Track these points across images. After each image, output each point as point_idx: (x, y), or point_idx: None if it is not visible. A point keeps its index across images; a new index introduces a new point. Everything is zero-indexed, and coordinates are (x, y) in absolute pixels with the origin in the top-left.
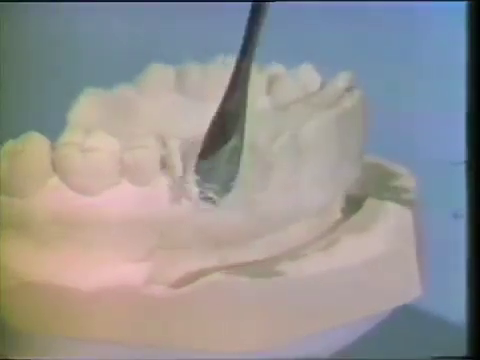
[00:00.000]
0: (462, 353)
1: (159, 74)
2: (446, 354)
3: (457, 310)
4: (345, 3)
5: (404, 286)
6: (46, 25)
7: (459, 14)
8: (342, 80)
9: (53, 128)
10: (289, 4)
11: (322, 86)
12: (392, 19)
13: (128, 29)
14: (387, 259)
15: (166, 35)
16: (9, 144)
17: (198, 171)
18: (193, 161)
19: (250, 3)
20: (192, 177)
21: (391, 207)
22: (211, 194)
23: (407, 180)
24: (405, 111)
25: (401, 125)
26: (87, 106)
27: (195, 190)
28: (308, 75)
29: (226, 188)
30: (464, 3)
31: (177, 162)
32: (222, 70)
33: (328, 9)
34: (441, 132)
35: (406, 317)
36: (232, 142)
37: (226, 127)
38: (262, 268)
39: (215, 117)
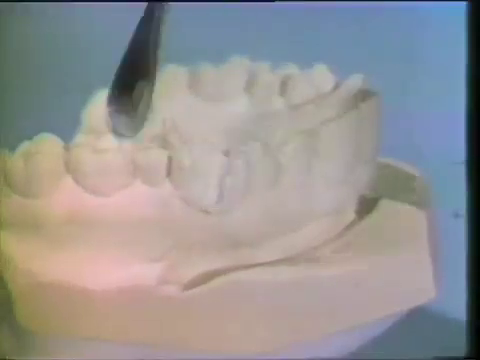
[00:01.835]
0: (462, 353)
1: (173, 74)
2: (446, 354)
3: (457, 310)
4: (345, 3)
5: (418, 287)
6: (58, 25)
7: (459, 14)
8: (356, 81)
9: (66, 129)
10: (289, 4)
11: (336, 87)
12: (392, 19)
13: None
14: (401, 260)
15: (176, 35)
16: (23, 145)
17: (111, 104)
18: None
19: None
20: (105, 109)
21: (405, 208)
22: (122, 128)
23: (421, 181)
24: (405, 111)
25: (401, 125)
26: (100, 107)
27: (108, 121)
28: (322, 76)
29: (137, 123)
30: (464, 3)
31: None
32: (236, 70)
33: (327, 9)
34: (441, 132)
35: (406, 317)
36: (143, 80)
37: (137, 66)
38: (276, 269)
39: (127, 53)
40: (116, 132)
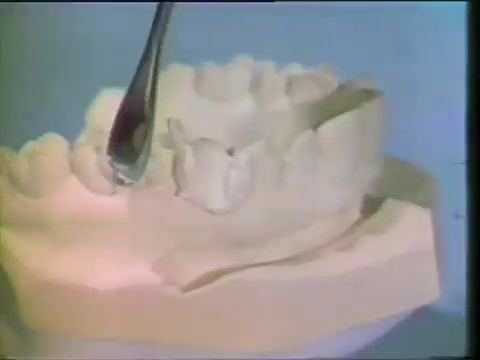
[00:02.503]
0: (462, 353)
1: (178, 74)
2: (446, 354)
3: (457, 310)
4: (345, 3)
5: (423, 287)
6: (58, 25)
7: (459, 14)
8: (360, 81)
9: (71, 129)
10: (291, 4)
11: (340, 87)
12: (392, 19)
13: (142, 28)
14: (406, 260)
15: (181, 35)
16: (28, 145)
17: (110, 152)
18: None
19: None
20: (105, 158)
21: (410, 208)
22: (122, 176)
23: (426, 181)
24: (405, 111)
25: (401, 125)
26: (105, 107)
27: (109, 171)
28: (326, 76)
29: (138, 171)
30: (464, 3)
31: None
32: (240, 70)
33: (327, 9)
34: (441, 132)
35: (406, 317)
36: (141, 126)
37: (136, 112)
38: (281, 268)
39: (124, 101)
40: (117, 180)
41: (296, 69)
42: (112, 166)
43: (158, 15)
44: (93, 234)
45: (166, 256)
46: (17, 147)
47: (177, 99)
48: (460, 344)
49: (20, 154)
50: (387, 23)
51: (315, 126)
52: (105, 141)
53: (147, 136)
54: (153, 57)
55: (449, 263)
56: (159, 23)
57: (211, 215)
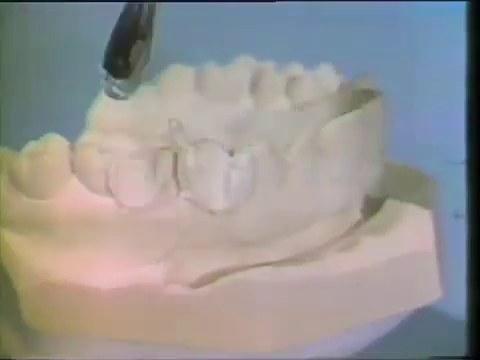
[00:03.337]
0: (462, 353)
1: (178, 74)
2: (446, 354)
3: (457, 310)
4: (345, 3)
5: (424, 288)
6: (58, 25)
7: (459, 14)
8: (361, 81)
9: (72, 129)
10: (291, 4)
11: (340, 87)
12: (392, 19)
13: None
14: (407, 260)
15: (181, 36)
16: (29, 145)
17: (105, 66)
18: None
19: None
20: (100, 72)
21: (411, 208)
22: (116, 89)
23: (426, 181)
24: (405, 111)
25: (401, 125)
26: (106, 107)
27: (103, 84)
28: (327, 76)
29: (131, 85)
30: (464, 3)
31: None
32: (241, 70)
33: (327, 9)
34: (441, 132)
35: (406, 317)
36: (138, 43)
37: (132, 28)
38: (281, 269)
39: (121, 18)
40: (111, 93)
41: (296, 69)
42: (107, 79)
43: None
44: (94, 234)
45: (167, 256)
46: (18, 147)
47: (177, 99)
48: (460, 344)
49: (21, 154)
50: (387, 23)
51: (316, 126)
52: (106, 141)
53: (143, 52)
54: None
55: (449, 263)
56: None
57: (212, 215)
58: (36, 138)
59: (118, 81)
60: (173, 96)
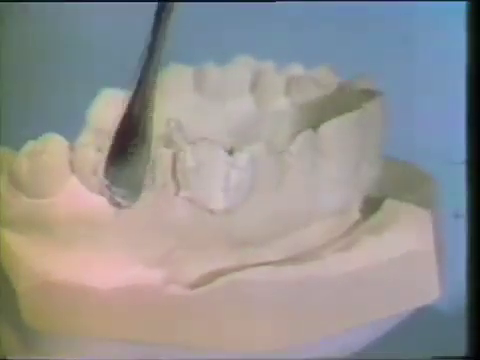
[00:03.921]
0: (462, 353)
1: (178, 74)
2: (446, 354)
3: (457, 310)
4: (345, 3)
5: (422, 288)
6: (58, 25)
7: (459, 14)
8: (360, 81)
9: (72, 129)
10: (291, 4)
11: (340, 87)
12: (392, 19)
13: (143, 28)
14: (406, 260)
15: (181, 35)
16: (28, 145)
17: (107, 175)
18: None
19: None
20: (102, 181)
21: (410, 208)
22: (119, 198)
23: (426, 181)
24: (405, 111)
25: (401, 125)
26: (105, 107)
27: (106, 194)
28: (326, 76)
29: (135, 193)
30: (464, 3)
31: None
32: (240, 70)
33: (327, 9)
34: (441, 132)
35: (406, 317)
36: (138, 146)
37: (131, 131)
38: (281, 268)
39: (121, 121)
40: (113, 203)
41: (296, 69)
42: (109, 189)
43: (158, 20)
44: (94, 234)
45: (166, 256)
46: (17, 147)
47: (177, 99)
48: (460, 344)
49: (20, 154)
50: (387, 23)
51: (315, 126)
52: (105, 141)
53: (144, 159)
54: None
55: (449, 263)
56: (159, 29)
57: (211, 215)
58: (36, 138)
59: (115, 189)
60: (172, 96)
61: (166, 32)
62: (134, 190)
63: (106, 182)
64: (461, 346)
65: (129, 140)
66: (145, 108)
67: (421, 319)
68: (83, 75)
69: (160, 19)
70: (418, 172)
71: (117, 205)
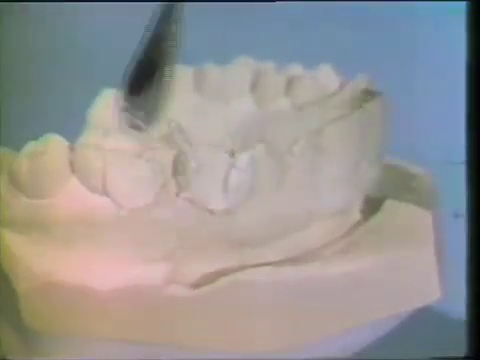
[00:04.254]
0: (462, 353)
1: (178, 75)
2: (446, 354)
3: (457, 310)
4: (345, 3)
5: (423, 288)
6: (58, 25)
7: (459, 14)
8: (361, 81)
9: (72, 129)
10: (291, 4)
11: (340, 87)
12: (392, 19)
13: (140, 28)
14: (406, 261)
15: (182, 36)
16: (29, 146)
17: (126, 99)
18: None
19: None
20: (121, 104)
21: (410, 209)
22: (138, 121)
23: (426, 181)
24: (405, 111)
25: (401, 125)
26: (106, 107)
27: (123, 116)
28: (326, 76)
29: (153, 116)
30: (464, 3)
31: None
32: (241, 70)
33: (327, 9)
34: (441, 132)
35: (406, 317)
36: (159, 75)
37: (153, 60)
38: (281, 269)
39: (144, 48)
40: (132, 125)
41: (296, 69)
42: (128, 112)
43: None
44: (94, 234)
45: (167, 256)
46: (18, 147)
47: (177, 99)
48: (460, 344)
49: (21, 154)
50: (387, 23)
51: (315, 127)
52: (105, 141)
53: (164, 84)
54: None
55: (449, 263)
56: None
57: (211, 215)
58: (36, 138)
59: (139, 113)
60: (172, 96)
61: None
62: (153, 113)
63: (126, 105)
64: (461, 346)
65: (150, 68)
66: (166, 38)
67: (421, 319)
68: (83, 75)
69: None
70: (417, 172)
71: (137, 128)
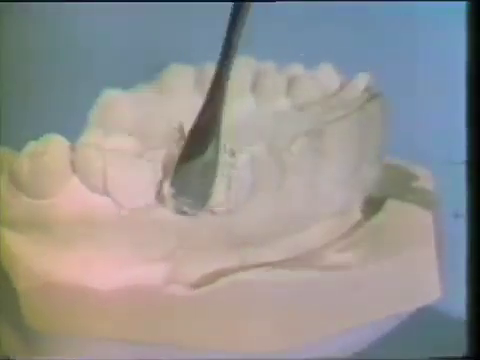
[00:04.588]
0: (462, 353)
1: (179, 74)
2: (446, 354)
3: (457, 310)
4: (345, 3)
5: (424, 288)
6: (58, 25)
7: (459, 14)
8: (361, 81)
9: (73, 129)
10: (292, 4)
11: (341, 87)
12: (392, 19)
13: (144, 29)
14: (407, 261)
15: (182, 35)
16: (30, 145)
17: (173, 184)
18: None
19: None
20: (168, 190)
21: (411, 209)
22: (185, 208)
23: (427, 182)
24: (405, 111)
25: (401, 125)
26: (107, 107)
27: (171, 203)
28: (327, 76)
29: (201, 203)
30: (464, 3)
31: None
32: (241, 70)
33: (327, 10)
34: (441, 132)
35: (406, 317)
36: (206, 156)
37: (201, 141)
38: (282, 269)
39: (191, 130)
40: (180, 211)
41: (297, 70)
42: (175, 198)
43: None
44: (95, 234)
45: (167, 256)
46: (19, 147)
47: (178, 99)
48: (460, 344)
49: (22, 154)
50: (387, 23)
51: (316, 127)
52: (106, 141)
53: (210, 168)
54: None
55: (449, 263)
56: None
57: (212, 215)
58: (37, 138)
59: (182, 198)
60: (174, 96)
61: (241, 33)
62: (200, 199)
63: (173, 191)
64: (461, 346)
65: (198, 150)
66: (215, 120)
67: (421, 319)
68: (83, 75)
69: (236, 20)
70: (418, 172)
71: (183, 213)
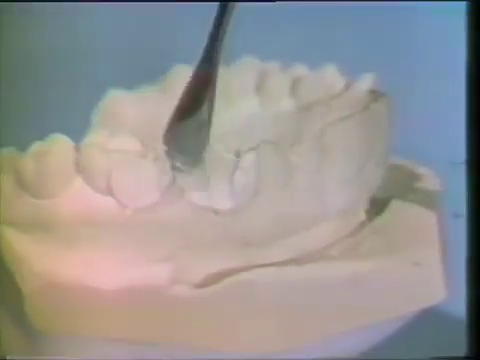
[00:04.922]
0: (462, 353)
1: (183, 75)
2: (446, 354)
3: (457, 310)
4: (345, 3)
5: (428, 288)
6: (58, 25)
7: (459, 14)
8: (366, 82)
9: (77, 129)
10: (292, 4)
11: (346, 87)
12: (392, 19)
13: (145, 28)
14: (411, 262)
15: (185, 36)
16: (34, 146)
17: (166, 142)
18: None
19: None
20: (162, 147)
21: (415, 209)
22: (179, 164)
23: (431, 182)
24: (405, 111)
25: (401, 125)
26: (111, 107)
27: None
28: (332, 76)
29: (194, 160)
30: (464, 3)
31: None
32: (246, 71)
33: (327, 10)
34: (441, 132)
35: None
36: (200, 114)
37: (194, 99)
38: (286, 269)
39: (184, 90)
40: (174, 167)
41: (301, 70)
42: (169, 155)
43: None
44: (99, 234)
45: (171, 256)
46: (23, 148)
47: None
48: (460, 344)
49: (26, 155)
50: (387, 23)
51: (320, 127)
52: (110, 141)
53: (204, 130)
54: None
55: (449, 263)
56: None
57: (216, 215)
58: (40, 138)
59: (175, 155)
60: (177, 96)
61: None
62: (193, 156)
63: (165, 148)
64: (462, 346)
65: (191, 110)
66: (210, 82)
67: (422, 319)
68: (85, 75)
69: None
70: (422, 172)
71: (178, 170)
